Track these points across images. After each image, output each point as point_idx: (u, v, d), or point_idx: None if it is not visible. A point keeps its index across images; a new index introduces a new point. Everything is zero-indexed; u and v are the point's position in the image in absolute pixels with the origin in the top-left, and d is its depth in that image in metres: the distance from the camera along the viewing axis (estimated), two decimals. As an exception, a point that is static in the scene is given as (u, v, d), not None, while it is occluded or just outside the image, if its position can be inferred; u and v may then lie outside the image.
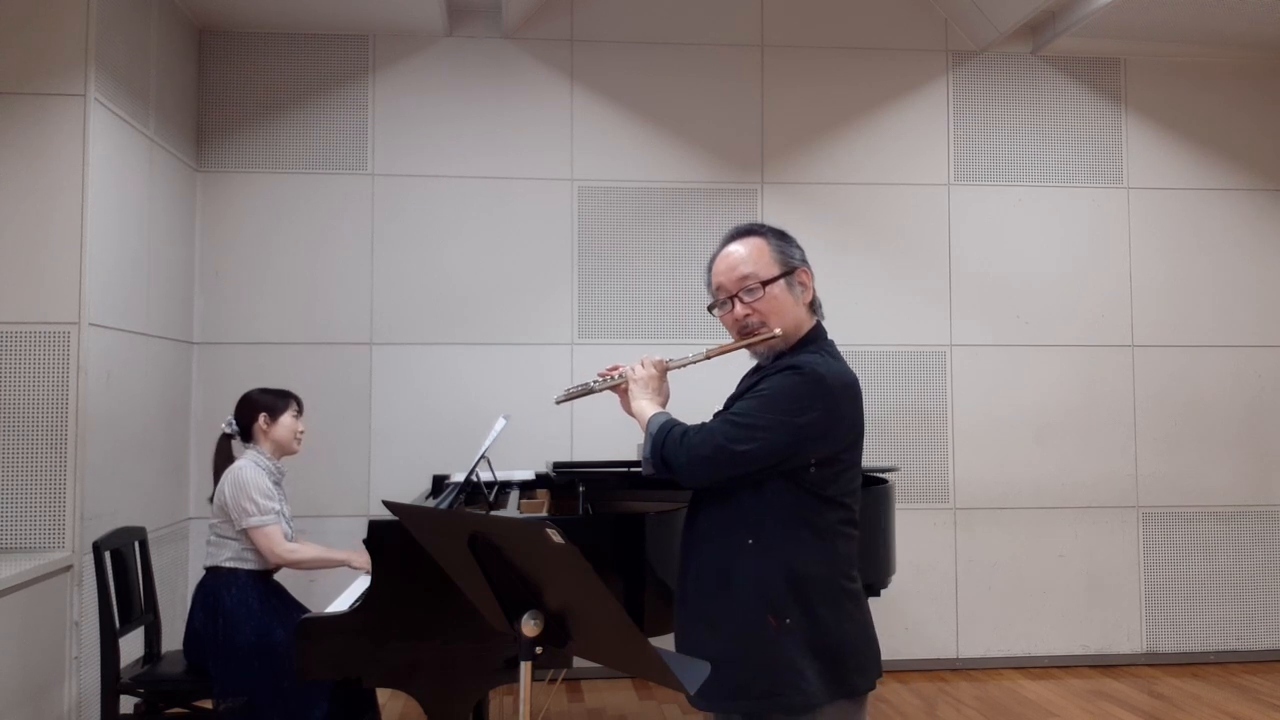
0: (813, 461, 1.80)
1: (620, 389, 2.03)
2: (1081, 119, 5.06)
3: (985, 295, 4.98)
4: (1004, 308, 4.99)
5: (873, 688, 1.83)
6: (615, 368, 2.07)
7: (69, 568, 3.42)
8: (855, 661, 1.80)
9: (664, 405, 1.99)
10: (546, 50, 4.85)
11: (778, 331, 1.88)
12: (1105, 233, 5.05)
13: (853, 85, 4.99)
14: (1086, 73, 5.07)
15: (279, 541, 3.09)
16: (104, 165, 3.65)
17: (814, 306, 1.97)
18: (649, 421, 1.91)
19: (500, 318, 4.77)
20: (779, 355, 1.90)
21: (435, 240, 4.76)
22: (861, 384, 1.93)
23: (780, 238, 1.96)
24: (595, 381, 2.07)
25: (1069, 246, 5.03)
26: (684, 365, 2.01)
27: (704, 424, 1.85)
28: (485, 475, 3.39)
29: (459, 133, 4.80)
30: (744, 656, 1.78)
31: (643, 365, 2.02)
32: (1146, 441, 4.99)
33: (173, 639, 3.48)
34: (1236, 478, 5.01)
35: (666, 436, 1.84)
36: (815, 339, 1.93)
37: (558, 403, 2.14)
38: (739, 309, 1.92)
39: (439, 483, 4.07)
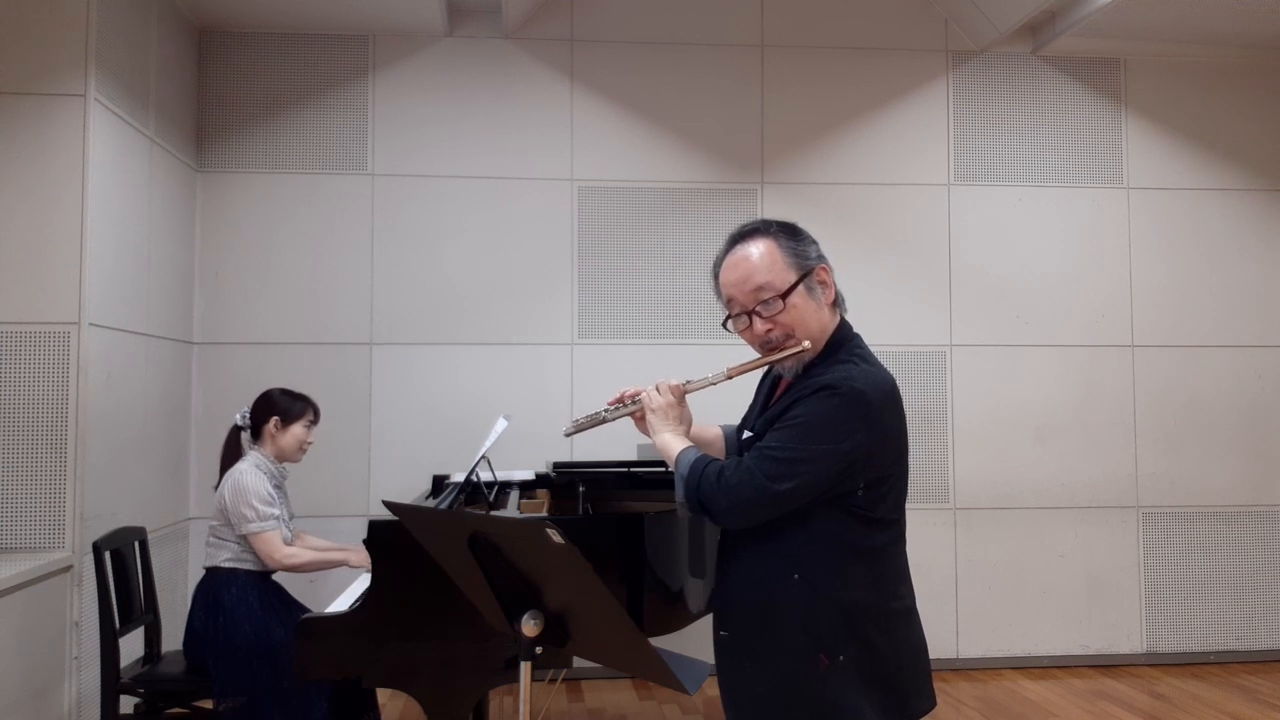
0: (861, 485, 1.66)
1: (636, 416, 1.89)
2: (1081, 119, 5.06)
3: (985, 295, 4.98)
4: (1004, 308, 4.99)
5: (934, 704, 1.74)
6: (624, 394, 1.92)
7: (69, 568, 3.42)
8: (913, 684, 1.72)
9: (687, 432, 1.86)
10: (546, 50, 4.85)
11: (807, 345, 1.71)
12: (1105, 233, 5.05)
13: (853, 85, 4.99)
14: (1086, 73, 5.07)
15: (277, 547, 3.09)
16: (104, 165, 3.65)
17: (837, 303, 1.81)
18: (677, 459, 1.76)
19: (500, 318, 4.77)
20: (808, 365, 1.75)
21: (435, 240, 4.76)
22: None
23: (791, 235, 1.78)
24: (607, 410, 1.91)
25: (1069, 246, 5.03)
26: (703, 387, 1.84)
27: (739, 461, 1.69)
28: (485, 475, 3.39)
29: (459, 133, 4.80)
30: (795, 698, 1.66)
31: (659, 391, 1.85)
32: (1146, 441, 4.99)
33: (173, 639, 3.48)
34: (1236, 478, 5.01)
35: (701, 477, 1.69)
36: (843, 341, 1.76)
37: (567, 435, 1.98)
38: (759, 325, 1.75)
39: (439, 483, 4.07)
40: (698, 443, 1.94)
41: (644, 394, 1.87)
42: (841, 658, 1.64)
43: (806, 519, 1.67)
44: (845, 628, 1.66)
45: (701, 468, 1.70)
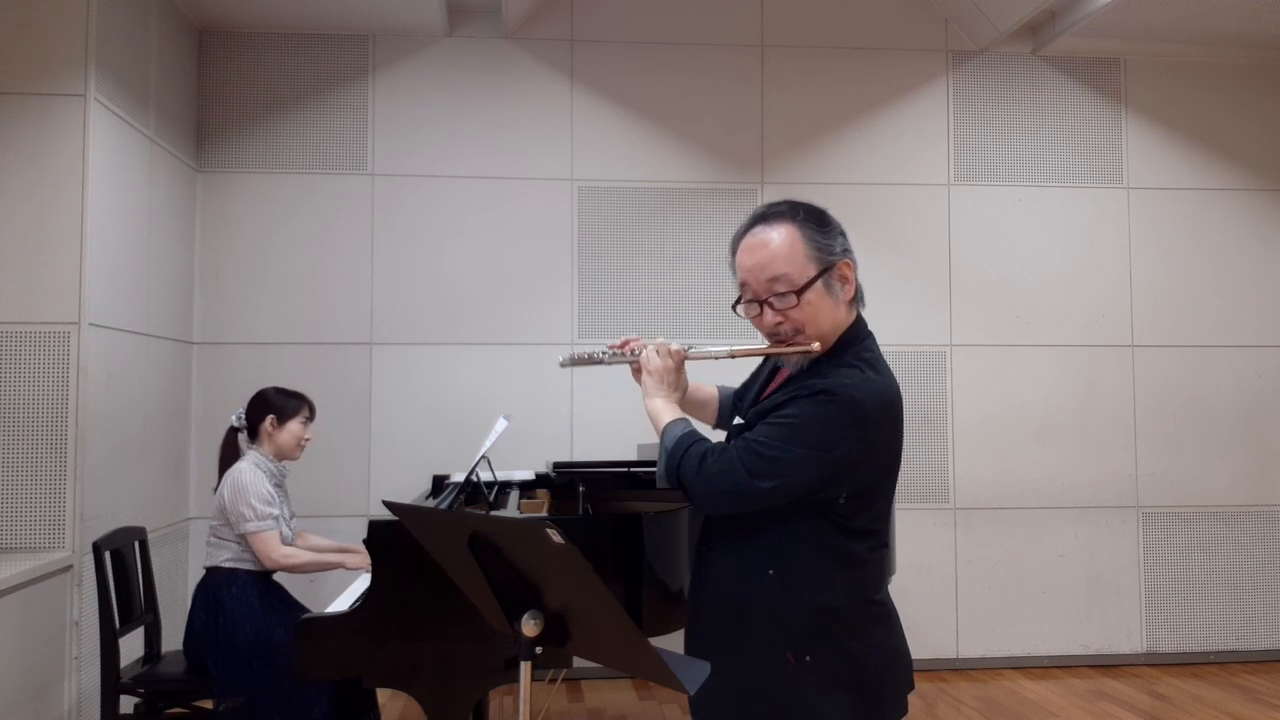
0: (844, 495, 1.60)
1: (634, 367, 1.83)
2: (1081, 119, 5.06)
3: (985, 295, 4.98)
4: (1004, 308, 4.99)
5: (905, 712, 1.68)
6: (627, 342, 1.85)
7: (69, 568, 3.42)
8: (888, 689, 1.65)
9: (682, 399, 1.80)
10: (546, 50, 4.85)
11: (815, 346, 1.64)
12: (1105, 233, 5.05)
13: (853, 85, 4.99)
14: (1086, 73, 5.07)
15: (275, 547, 3.10)
16: (104, 165, 3.65)
17: (856, 299, 1.73)
18: (664, 430, 1.70)
19: (500, 318, 4.77)
20: (813, 361, 1.67)
21: (435, 240, 4.76)
22: None
23: (817, 224, 1.67)
24: (604, 353, 1.85)
25: (1069, 246, 5.03)
26: (704, 358, 1.78)
27: (724, 448, 1.63)
28: (485, 475, 3.39)
29: (459, 133, 4.80)
30: (757, 695, 1.63)
31: (659, 353, 1.78)
32: (1146, 441, 4.99)
33: (173, 639, 3.48)
34: (1236, 478, 5.01)
35: (684, 456, 1.64)
36: (854, 341, 1.69)
37: (562, 365, 1.93)
38: (770, 317, 1.67)
39: (439, 483, 4.07)
40: (692, 402, 1.89)
41: (643, 353, 1.81)
42: (809, 659, 1.60)
43: (786, 520, 1.62)
44: (817, 630, 1.61)
45: (685, 446, 1.65)
